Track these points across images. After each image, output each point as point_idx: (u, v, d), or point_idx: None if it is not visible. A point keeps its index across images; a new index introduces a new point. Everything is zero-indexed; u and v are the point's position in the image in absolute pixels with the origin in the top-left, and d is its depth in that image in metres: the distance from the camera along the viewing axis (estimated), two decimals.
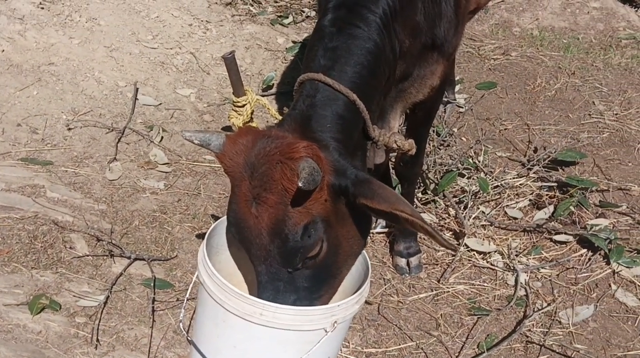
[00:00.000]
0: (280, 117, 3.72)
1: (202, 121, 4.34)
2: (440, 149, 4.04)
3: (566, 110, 4.68)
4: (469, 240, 3.43)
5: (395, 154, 3.26)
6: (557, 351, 2.87)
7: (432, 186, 3.74)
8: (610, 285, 3.22)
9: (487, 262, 3.36)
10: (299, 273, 1.99)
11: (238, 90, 3.71)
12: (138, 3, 5.07)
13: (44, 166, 3.55)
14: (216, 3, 5.51)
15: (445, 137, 4.18)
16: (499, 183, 3.82)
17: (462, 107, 4.64)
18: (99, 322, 2.70)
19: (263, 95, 4.58)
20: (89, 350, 2.57)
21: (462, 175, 3.83)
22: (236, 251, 2.41)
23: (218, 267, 2.28)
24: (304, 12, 5.77)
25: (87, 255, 3.02)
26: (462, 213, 3.55)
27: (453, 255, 3.37)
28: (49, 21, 4.56)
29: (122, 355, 2.59)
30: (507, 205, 3.71)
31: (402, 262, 3.28)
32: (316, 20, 2.43)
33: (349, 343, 2.82)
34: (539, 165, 3.95)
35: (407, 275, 3.26)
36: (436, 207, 3.68)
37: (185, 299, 2.38)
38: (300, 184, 1.75)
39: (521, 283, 3.18)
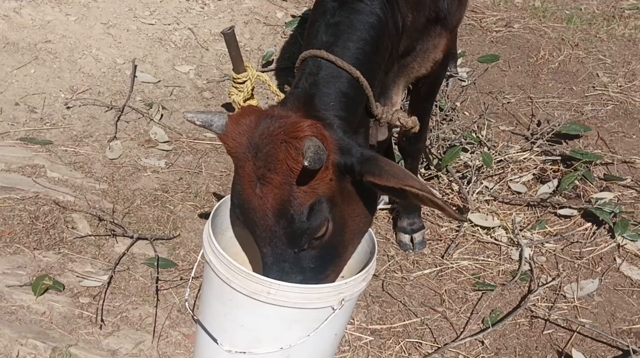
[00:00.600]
0: (280, 93, 3.69)
1: (202, 98, 4.29)
2: (443, 124, 4.01)
3: (570, 82, 4.63)
4: (472, 215, 3.41)
5: (399, 129, 3.23)
6: (562, 325, 2.86)
7: (435, 161, 3.71)
8: (615, 259, 3.21)
9: (491, 237, 3.35)
10: (304, 253, 1.97)
11: (238, 66, 3.66)
12: None
13: (44, 146, 3.52)
14: None
15: (448, 111, 4.13)
16: (502, 158, 3.79)
17: (465, 81, 4.58)
18: (103, 302, 2.69)
19: (263, 71, 4.53)
20: (93, 330, 2.56)
21: (466, 150, 3.80)
22: (240, 231, 2.40)
23: (222, 246, 2.27)
24: None
25: (90, 235, 3.00)
26: (466, 189, 3.52)
27: (457, 231, 3.36)
28: None
29: (127, 334, 2.59)
30: (511, 180, 3.68)
31: (405, 238, 3.27)
32: None
33: (353, 319, 2.81)
34: (542, 138, 3.91)
35: (411, 251, 3.25)
36: (439, 183, 3.66)
37: (190, 278, 2.38)
38: (306, 163, 1.72)
39: (525, 258, 3.17)
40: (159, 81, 4.32)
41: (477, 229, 3.38)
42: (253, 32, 4.97)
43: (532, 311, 2.92)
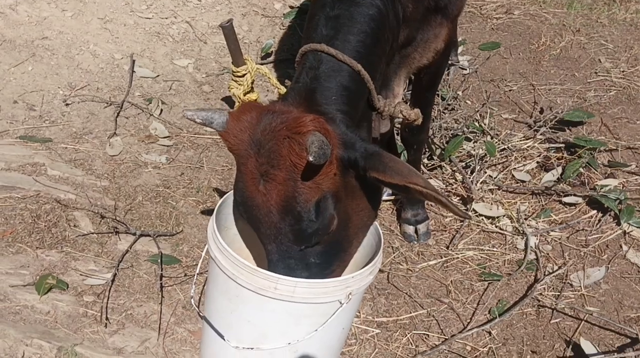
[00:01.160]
0: (280, 86, 3.66)
1: (202, 92, 4.26)
2: (445, 114, 3.98)
3: (572, 69, 4.59)
4: (477, 205, 3.39)
5: (401, 121, 3.20)
6: (570, 314, 2.85)
7: (438, 151, 3.69)
8: (621, 246, 3.19)
9: (496, 226, 3.33)
10: (310, 249, 1.96)
11: (237, 59, 3.62)
12: None
13: (43, 143, 3.49)
14: None
15: (450, 100, 4.10)
16: (505, 146, 3.76)
17: (466, 69, 4.55)
18: (108, 300, 2.67)
19: (262, 63, 4.50)
20: (98, 329, 2.55)
21: (469, 139, 3.78)
22: (244, 227, 2.38)
23: (227, 242, 2.25)
24: None
25: (92, 233, 2.98)
26: (470, 178, 3.50)
27: (461, 221, 3.33)
28: None
29: (132, 332, 2.57)
30: (515, 168, 3.66)
31: (410, 229, 3.25)
32: None
33: (359, 313, 2.80)
34: (545, 126, 3.89)
35: (416, 242, 3.23)
36: (443, 173, 3.63)
37: (195, 275, 2.36)
38: (310, 159, 1.70)
39: (531, 247, 3.15)
40: (158, 76, 4.29)
41: (482, 219, 3.36)
42: (251, 24, 4.93)
43: (539, 300, 2.91)
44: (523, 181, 3.58)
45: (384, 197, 3.48)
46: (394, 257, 3.13)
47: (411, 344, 2.70)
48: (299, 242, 1.92)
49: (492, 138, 3.79)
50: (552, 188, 3.46)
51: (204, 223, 3.17)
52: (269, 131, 1.85)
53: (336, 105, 2.00)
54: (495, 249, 3.20)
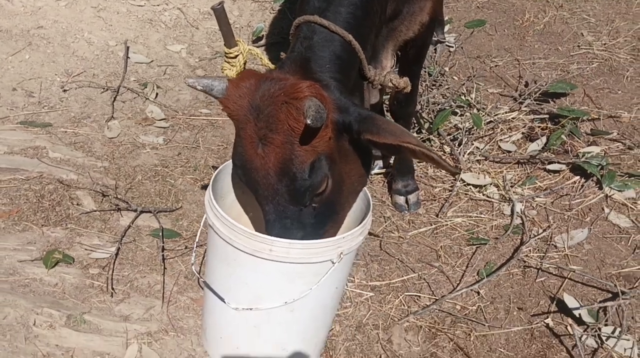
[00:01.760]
0: (272, 66, 3.76)
1: (195, 76, 4.36)
2: (432, 89, 4.09)
3: (555, 43, 4.71)
4: (465, 175, 3.51)
5: (389, 94, 3.32)
6: (554, 273, 2.98)
7: (426, 125, 3.81)
8: (603, 209, 3.32)
9: (483, 194, 3.45)
10: (305, 210, 2.06)
11: (229, 41, 3.70)
12: None
13: (44, 128, 3.60)
14: None
15: (437, 77, 4.22)
16: (491, 119, 3.89)
17: (453, 46, 4.66)
18: (112, 272, 2.79)
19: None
20: (105, 298, 2.67)
21: (455, 113, 3.90)
22: (241, 194, 2.49)
23: (224, 210, 2.37)
24: None
25: (95, 211, 3.10)
26: (457, 150, 3.62)
27: (450, 190, 3.46)
28: None
29: (137, 301, 2.69)
30: (501, 140, 3.79)
31: (401, 199, 3.37)
32: None
33: (354, 278, 2.93)
34: (530, 98, 4.01)
35: (407, 212, 3.36)
36: (432, 146, 3.75)
37: (195, 245, 2.48)
38: (308, 122, 1.80)
39: (517, 212, 3.28)
40: (152, 61, 4.39)
41: (470, 188, 3.49)
42: (242, 9, 5.03)
43: (524, 261, 3.04)
44: (509, 151, 3.70)
45: (375, 170, 3.61)
46: (386, 226, 3.26)
47: (403, 305, 2.83)
48: (295, 202, 2.02)
49: (478, 111, 3.91)
50: (537, 157, 3.59)
51: (202, 200, 3.28)
52: (267, 97, 1.95)
53: (330, 73, 2.11)
54: (482, 216, 3.33)
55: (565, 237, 3.16)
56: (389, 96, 3.38)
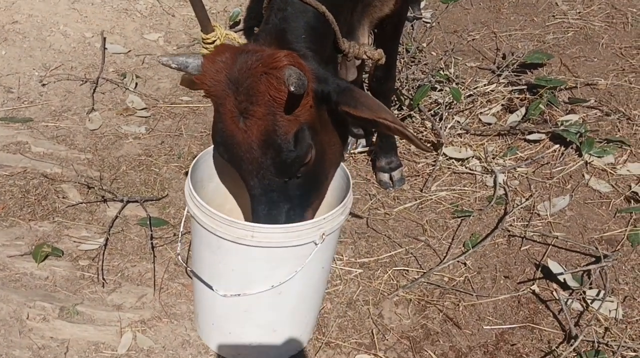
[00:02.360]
0: None
1: (168, 54, 4.34)
2: (411, 66, 4.12)
3: (530, 14, 4.75)
4: (446, 149, 3.55)
5: (368, 72, 3.34)
6: (538, 241, 3.04)
7: (406, 102, 3.83)
8: (583, 176, 3.38)
9: (466, 167, 3.50)
10: (290, 182, 2.07)
11: (206, 26, 3.70)
12: None
13: (25, 123, 3.59)
14: None
15: (415, 53, 4.24)
16: (471, 92, 3.92)
17: (429, 22, 4.68)
18: (102, 262, 2.81)
19: None
20: (96, 289, 2.69)
21: (435, 89, 3.93)
22: (224, 178, 2.51)
23: (207, 198, 2.38)
24: None
25: (81, 203, 3.11)
26: (438, 125, 3.66)
27: (433, 165, 3.50)
28: None
29: (129, 290, 2.72)
30: (481, 112, 3.83)
31: (385, 176, 3.41)
32: None
33: (342, 255, 2.97)
34: (508, 70, 4.05)
35: (391, 188, 3.39)
36: (412, 122, 3.79)
37: (180, 233, 2.45)
38: (292, 89, 1.79)
39: (500, 183, 3.33)
40: (129, 51, 4.38)
41: (452, 162, 3.53)
42: None
43: (509, 231, 3.09)
44: (489, 124, 3.74)
45: (359, 149, 3.64)
46: (372, 203, 3.30)
47: (392, 280, 2.87)
48: (280, 174, 2.02)
49: (457, 85, 3.95)
50: (517, 128, 3.64)
51: None
52: (245, 69, 1.93)
53: (305, 44, 2.10)
54: (466, 188, 3.38)
55: (548, 204, 3.21)
56: (367, 74, 3.40)
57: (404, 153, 3.61)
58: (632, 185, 3.30)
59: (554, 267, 2.80)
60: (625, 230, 3.07)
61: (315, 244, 2.14)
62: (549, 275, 2.83)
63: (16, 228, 2.92)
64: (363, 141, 3.64)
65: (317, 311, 2.58)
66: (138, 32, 4.55)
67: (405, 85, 3.88)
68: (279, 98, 1.92)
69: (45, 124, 3.62)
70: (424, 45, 4.39)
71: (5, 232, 2.89)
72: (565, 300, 2.68)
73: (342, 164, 2.36)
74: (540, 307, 2.73)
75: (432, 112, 3.79)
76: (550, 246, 3.00)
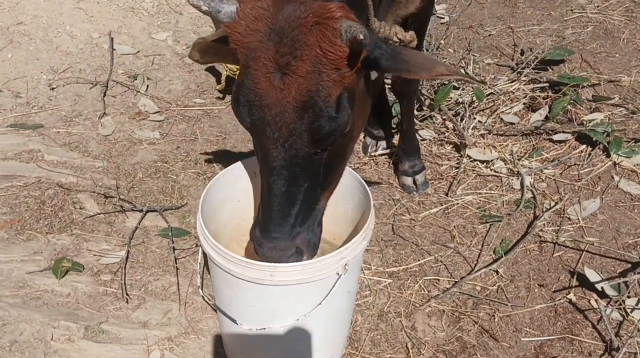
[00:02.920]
0: None
1: (184, 64, 4.24)
2: None
3: (548, 8, 4.64)
4: (470, 150, 3.46)
5: (391, 75, 3.24)
6: (571, 246, 2.96)
7: (427, 102, 3.74)
8: (612, 177, 3.30)
9: (491, 169, 3.41)
10: (317, 156, 1.85)
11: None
12: None
13: (35, 129, 3.47)
14: None
15: (434, 50, 4.14)
16: (492, 91, 3.83)
17: (443, 18, 4.58)
18: (125, 277, 2.72)
19: None
20: (121, 305, 2.60)
21: (456, 88, 3.83)
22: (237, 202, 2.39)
23: (222, 223, 2.30)
24: None
25: (99, 214, 3.01)
26: (460, 125, 3.56)
27: (457, 168, 3.41)
28: None
29: (153, 305, 2.63)
30: (503, 111, 3.73)
31: (408, 180, 3.32)
32: None
33: (370, 265, 2.88)
34: (528, 67, 3.95)
35: (415, 192, 3.30)
36: (434, 122, 3.69)
37: (198, 264, 2.31)
38: (361, 37, 1.61)
39: (527, 186, 3.24)
40: (138, 51, 4.26)
41: (477, 164, 3.44)
42: None
43: (540, 236, 3.01)
44: (512, 123, 3.65)
45: (379, 151, 3.54)
46: (396, 208, 3.21)
47: (423, 290, 2.79)
48: (314, 143, 1.79)
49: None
50: (541, 128, 3.55)
51: None
52: (294, 18, 1.70)
53: (348, 6, 1.87)
54: (492, 191, 3.29)
55: (578, 208, 3.13)
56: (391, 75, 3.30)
57: (426, 155, 3.52)
58: None
59: (591, 275, 2.72)
60: None
61: (338, 275, 2.03)
62: (585, 283, 2.75)
63: (34, 242, 2.82)
64: (383, 143, 3.55)
65: (348, 328, 2.49)
66: (146, 31, 4.43)
67: (425, 85, 3.78)
68: (330, 52, 1.69)
69: (57, 130, 3.51)
70: (442, 42, 4.29)
71: (22, 246, 2.79)
72: (604, 310, 2.60)
73: (357, 174, 2.26)
74: (578, 317, 2.66)
75: (453, 112, 3.69)
76: (584, 252, 2.92)
